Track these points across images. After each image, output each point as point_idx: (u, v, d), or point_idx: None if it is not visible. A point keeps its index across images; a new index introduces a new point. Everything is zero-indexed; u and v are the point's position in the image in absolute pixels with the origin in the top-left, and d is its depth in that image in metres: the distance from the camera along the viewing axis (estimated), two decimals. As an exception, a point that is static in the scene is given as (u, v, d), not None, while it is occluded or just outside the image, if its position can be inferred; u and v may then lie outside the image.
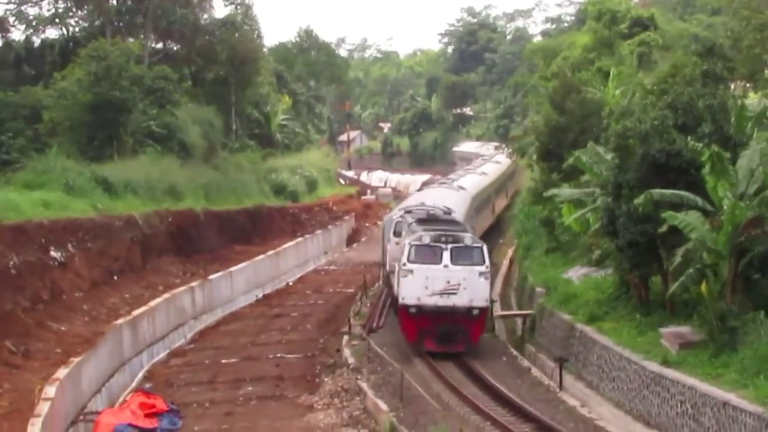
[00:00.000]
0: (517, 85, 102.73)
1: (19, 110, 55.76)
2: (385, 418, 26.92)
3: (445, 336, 34.00)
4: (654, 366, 25.72)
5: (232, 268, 49.21)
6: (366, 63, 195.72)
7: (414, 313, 34.13)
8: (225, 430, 29.21)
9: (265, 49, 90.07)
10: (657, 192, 26.94)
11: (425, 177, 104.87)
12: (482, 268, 34.02)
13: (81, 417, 28.06)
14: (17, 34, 69.75)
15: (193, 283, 44.05)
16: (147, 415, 28.58)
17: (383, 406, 27.99)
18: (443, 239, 34.15)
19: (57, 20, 68.94)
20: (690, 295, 28.02)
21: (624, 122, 32.22)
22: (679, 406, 24.05)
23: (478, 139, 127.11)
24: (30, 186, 42.34)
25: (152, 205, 49.17)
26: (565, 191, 37.77)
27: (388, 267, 41.17)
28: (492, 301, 38.06)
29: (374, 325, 39.33)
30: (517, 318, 39.72)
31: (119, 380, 33.38)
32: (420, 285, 33.89)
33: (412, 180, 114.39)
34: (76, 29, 69.58)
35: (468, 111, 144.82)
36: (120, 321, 34.90)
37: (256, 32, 79.64)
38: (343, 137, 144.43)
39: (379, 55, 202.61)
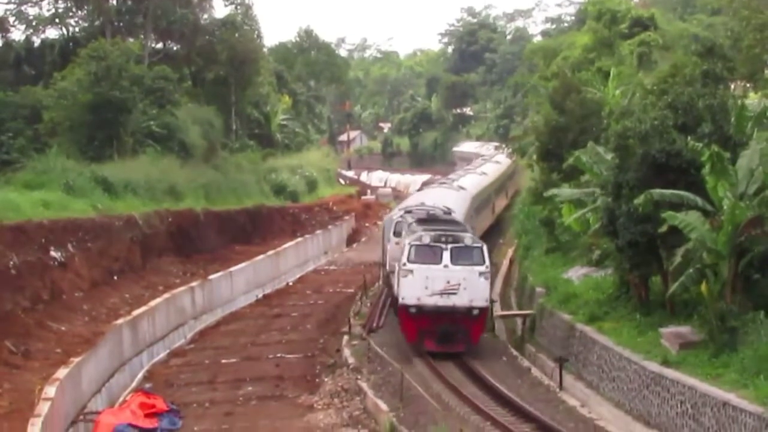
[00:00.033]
0: (517, 85, 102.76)
1: (19, 110, 55.78)
2: (385, 418, 26.92)
3: (445, 336, 33.97)
4: (654, 366, 25.72)
5: (232, 268, 49.21)
6: (366, 63, 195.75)
7: (414, 313, 34.11)
8: (225, 430, 29.20)
9: (265, 49, 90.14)
10: (657, 192, 26.94)
11: (425, 177, 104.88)
12: (482, 268, 34.00)
13: (81, 417, 28.06)
14: (17, 34, 70.00)
15: (193, 283, 44.06)
16: (147, 415, 28.59)
17: (383, 406, 27.99)
18: (443, 239, 34.12)
19: (57, 20, 68.96)
20: (690, 295, 28.03)
21: (624, 122, 32.22)
22: (679, 406, 24.05)
23: (478, 139, 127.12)
24: (30, 186, 42.36)
25: (152, 205, 49.18)
26: (565, 191, 37.77)
27: (388, 267, 41.16)
28: (492, 301, 38.06)
29: (374, 325, 39.34)
30: (517, 318, 39.72)
31: (119, 380, 33.38)
32: (420, 285, 33.87)
33: (412, 180, 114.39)
34: (76, 29, 69.64)
35: (468, 111, 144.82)
36: (120, 321, 34.90)
37: (256, 32, 79.71)
38: (343, 137, 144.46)
39: (379, 55, 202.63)
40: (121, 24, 68.97)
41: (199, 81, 74.60)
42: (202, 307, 44.33)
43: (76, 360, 28.81)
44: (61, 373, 27.16)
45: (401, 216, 41.20)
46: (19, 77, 64.31)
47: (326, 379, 33.35)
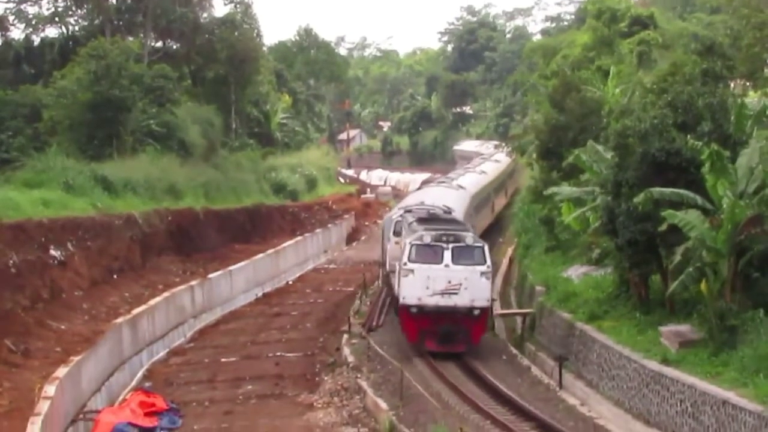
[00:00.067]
0: (516, 84, 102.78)
1: (18, 109, 55.75)
2: (385, 417, 26.92)
3: (446, 336, 33.84)
4: (654, 364, 25.72)
5: (232, 267, 49.21)
6: (366, 62, 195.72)
7: (415, 313, 33.99)
8: (225, 429, 29.19)
9: (264, 48, 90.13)
10: (656, 190, 26.95)
11: (425, 176, 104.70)
12: (484, 268, 33.83)
13: (81, 416, 28.05)
14: (17, 32, 69.92)
15: (193, 282, 44.05)
16: (147, 414, 28.56)
17: (383, 405, 27.99)
18: (444, 239, 33.96)
19: (56, 19, 68.93)
20: (690, 293, 28.02)
21: (624, 121, 32.26)
22: (678, 404, 24.06)
23: (478, 137, 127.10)
24: (30, 185, 42.35)
25: (152, 204, 49.19)
26: (565, 190, 37.78)
27: (387, 266, 41.10)
28: (492, 300, 38.03)
29: (374, 323, 39.34)
30: (516, 317, 39.74)
31: (119, 379, 33.37)
32: (421, 285, 33.72)
33: (411, 179, 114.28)
34: (76, 28, 69.57)
35: (468, 110, 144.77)
36: (120, 320, 34.90)
37: (256, 31, 79.64)
38: (343, 136, 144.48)
39: (378, 54, 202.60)
40: (121, 23, 68.94)
41: (199, 80, 74.57)
42: (201, 305, 44.34)
43: (75, 359, 28.80)
44: (61, 371, 27.15)
45: (401, 215, 41.13)
46: (19, 76, 64.27)
47: (326, 378, 33.34)
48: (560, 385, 30.60)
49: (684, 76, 34.44)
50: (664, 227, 26.56)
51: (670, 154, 27.94)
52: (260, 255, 53.86)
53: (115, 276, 41.30)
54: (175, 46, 72.49)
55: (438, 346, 33.90)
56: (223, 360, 38.31)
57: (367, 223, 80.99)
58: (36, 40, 69.33)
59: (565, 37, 75.01)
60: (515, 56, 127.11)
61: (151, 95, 58.65)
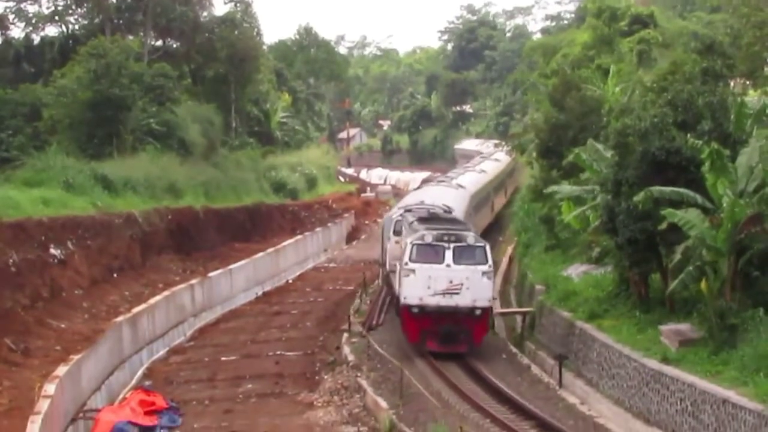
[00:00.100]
0: (516, 83, 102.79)
1: (18, 108, 55.77)
2: (385, 416, 26.91)
3: (447, 336, 33.67)
4: (654, 363, 25.71)
5: (232, 266, 49.20)
6: (366, 60, 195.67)
7: (416, 313, 33.80)
8: (225, 428, 29.17)
9: (264, 47, 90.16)
10: (656, 189, 26.93)
11: (425, 174, 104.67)
12: (485, 268, 33.64)
13: (81, 414, 28.05)
14: (17, 31, 69.97)
15: (193, 281, 44.05)
16: (147, 413, 28.60)
17: (383, 404, 27.97)
18: (446, 238, 33.77)
19: (56, 18, 68.96)
20: (690, 292, 28.03)
21: (624, 120, 32.24)
22: (678, 403, 24.06)
23: (478, 136, 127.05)
24: (30, 183, 42.38)
25: (152, 203, 49.23)
26: (565, 188, 37.77)
27: (388, 266, 41.01)
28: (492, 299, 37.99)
29: (374, 322, 39.29)
30: (516, 315, 39.73)
31: (119, 378, 33.36)
32: (422, 285, 33.53)
33: (411, 177, 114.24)
34: (76, 27, 69.61)
35: (468, 108, 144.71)
36: (120, 318, 34.90)
37: (256, 30, 79.69)
38: (343, 135, 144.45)
39: (378, 53, 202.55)
40: (121, 21, 68.98)
41: (199, 78, 74.59)
42: (201, 304, 44.33)
43: (75, 357, 28.79)
44: (61, 370, 27.15)
45: (401, 215, 41.04)
46: (19, 75, 64.33)
47: (326, 377, 33.32)
48: (560, 383, 30.60)
49: (684, 74, 34.43)
50: (664, 226, 26.56)
51: (670, 152, 27.93)
52: (260, 254, 53.85)
53: (115, 275, 41.31)
54: (175, 45, 72.54)
55: (439, 347, 33.76)
56: (223, 359, 38.30)
57: (366, 222, 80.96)
58: (36, 38, 69.58)
59: (565, 36, 75.01)
60: (515, 55, 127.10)
61: (151, 94, 58.69)
